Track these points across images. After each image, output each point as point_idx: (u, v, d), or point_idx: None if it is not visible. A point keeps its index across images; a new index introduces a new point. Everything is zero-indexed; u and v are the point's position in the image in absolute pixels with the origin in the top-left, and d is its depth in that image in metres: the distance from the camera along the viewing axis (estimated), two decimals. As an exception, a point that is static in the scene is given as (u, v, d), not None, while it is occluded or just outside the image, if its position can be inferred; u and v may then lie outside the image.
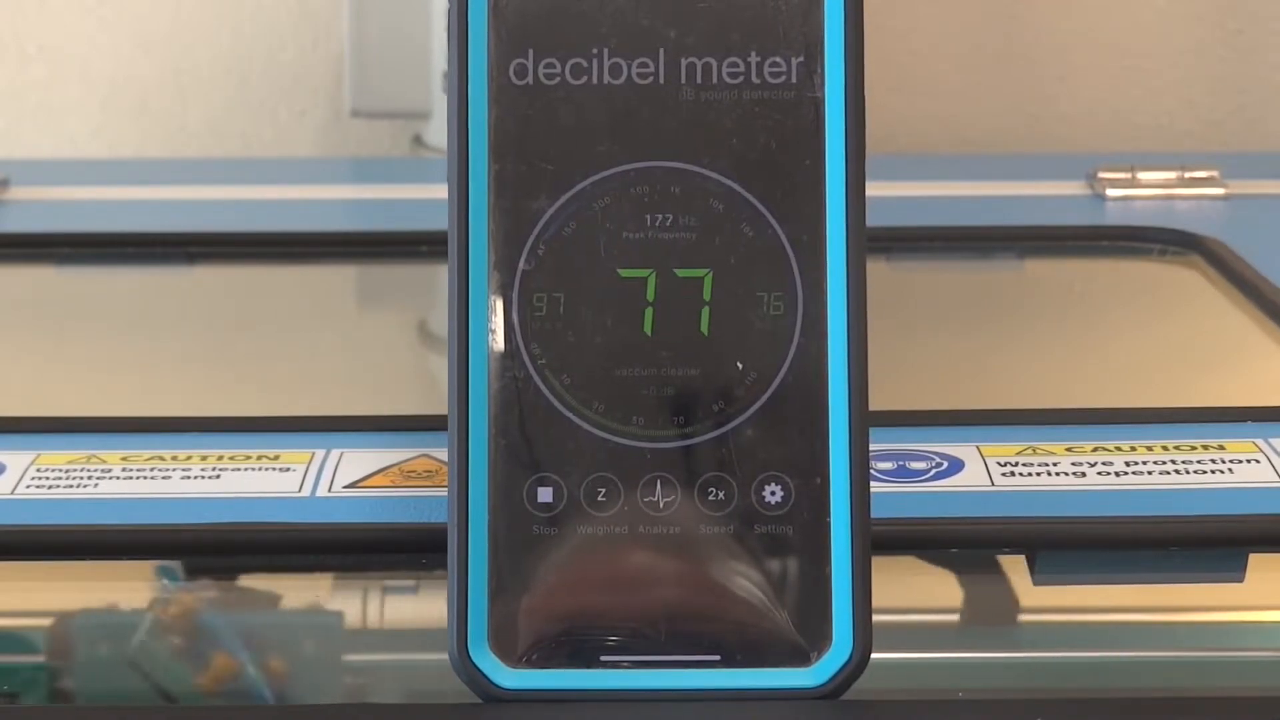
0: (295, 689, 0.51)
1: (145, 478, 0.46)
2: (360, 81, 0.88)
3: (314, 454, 0.47)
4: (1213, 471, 0.46)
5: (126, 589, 0.51)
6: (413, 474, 0.46)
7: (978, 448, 0.47)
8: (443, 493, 0.42)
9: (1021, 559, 0.46)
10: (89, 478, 0.46)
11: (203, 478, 0.46)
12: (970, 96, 0.95)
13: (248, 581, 0.51)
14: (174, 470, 0.46)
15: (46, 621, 0.53)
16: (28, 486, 0.46)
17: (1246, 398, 0.53)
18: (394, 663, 0.55)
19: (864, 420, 0.40)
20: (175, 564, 0.49)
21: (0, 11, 0.95)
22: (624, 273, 0.40)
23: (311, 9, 0.95)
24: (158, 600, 0.50)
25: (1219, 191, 0.75)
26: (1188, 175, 0.76)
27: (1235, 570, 0.45)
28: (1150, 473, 0.46)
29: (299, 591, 0.53)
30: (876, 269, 0.65)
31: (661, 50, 0.40)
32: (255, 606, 0.52)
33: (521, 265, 0.40)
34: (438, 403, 0.42)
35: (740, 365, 0.40)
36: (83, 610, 0.51)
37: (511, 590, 0.39)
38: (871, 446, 0.40)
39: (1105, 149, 0.94)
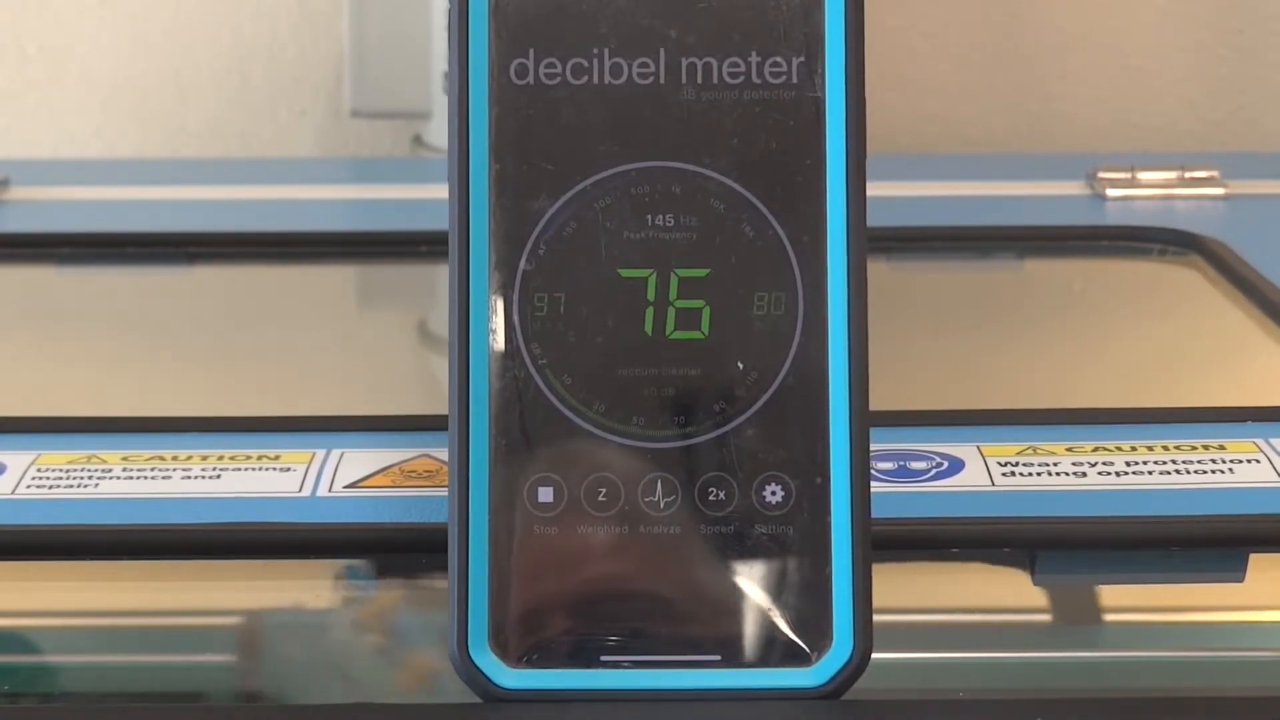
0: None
1: (145, 478, 0.46)
2: (360, 81, 0.88)
3: (314, 454, 0.47)
4: (1213, 471, 0.46)
5: (134, 589, 0.51)
6: (413, 474, 0.46)
7: (978, 448, 0.47)
8: (443, 493, 0.42)
9: (1021, 559, 0.46)
10: (89, 478, 0.46)
11: (203, 478, 0.46)
12: (970, 96, 0.95)
13: (429, 581, 0.51)
14: (174, 470, 0.46)
15: (47, 621, 0.53)
16: (28, 486, 0.46)
17: (1246, 398, 0.53)
18: (393, 663, 0.55)
19: (864, 420, 0.40)
20: (361, 563, 0.49)
21: (0, 11, 0.95)
22: (624, 273, 0.40)
23: (311, 9, 0.95)
24: (351, 599, 0.50)
25: (1219, 191, 0.75)
26: (1188, 175, 0.76)
27: (1235, 570, 0.45)
28: (1150, 473, 0.46)
29: (298, 591, 0.53)
30: (876, 269, 0.65)
31: (662, 50, 0.40)
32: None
33: (522, 265, 0.40)
34: (438, 403, 0.42)
35: (740, 365, 0.40)
36: (273, 609, 0.51)
37: (512, 590, 0.39)
38: (872, 446, 0.40)
39: (1105, 149, 0.94)
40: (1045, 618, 0.52)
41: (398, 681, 0.49)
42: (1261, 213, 0.73)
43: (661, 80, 0.40)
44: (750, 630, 0.39)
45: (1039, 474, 0.46)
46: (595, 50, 0.40)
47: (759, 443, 0.40)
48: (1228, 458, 0.47)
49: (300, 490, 0.45)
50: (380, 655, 0.50)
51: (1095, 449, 0.47)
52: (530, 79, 0.40)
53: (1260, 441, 0.47)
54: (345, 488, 0.45)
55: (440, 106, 0.86)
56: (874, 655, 0.39)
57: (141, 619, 0.52)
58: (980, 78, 0.95)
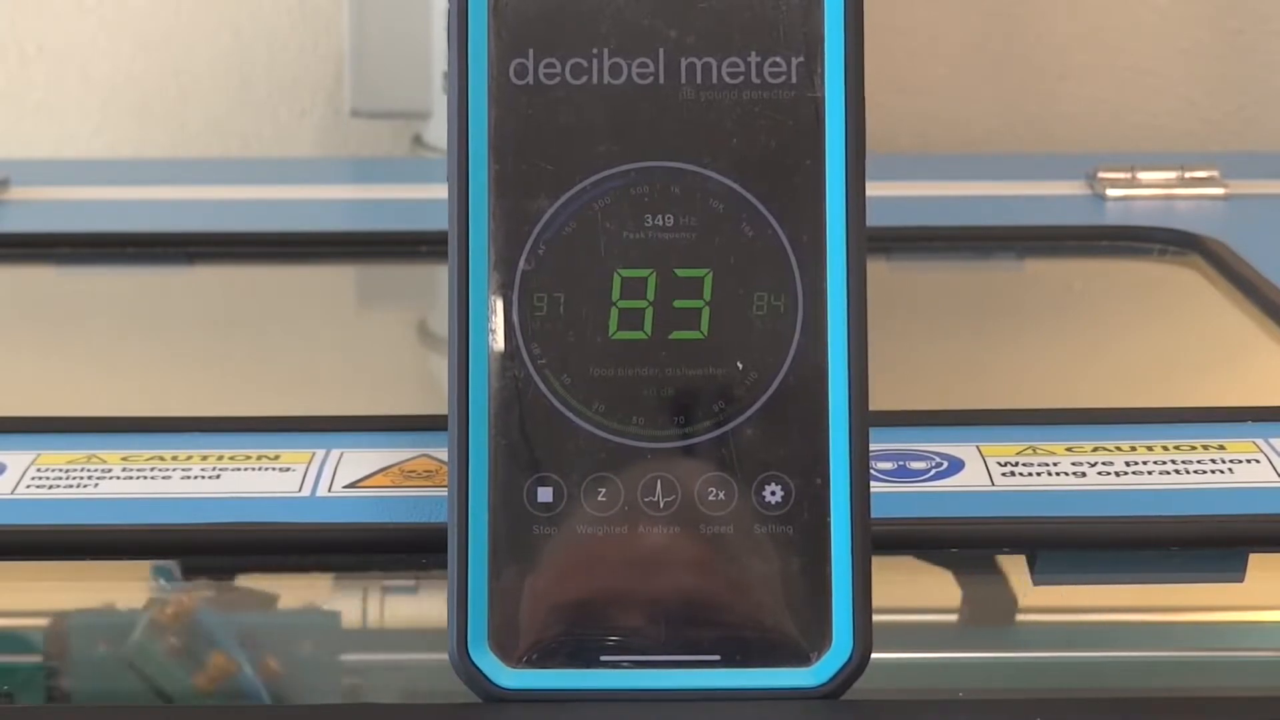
0: (292, 689, 0.51)
1: (145, 478, 0.46)
2: (360, 81, 0.88)
3: (314, 454, 0.47)
4: (1213, 471, 0.46)
5: (124, 589, 0.51)
6: (413, 474, 0.46)
7: (978, 448, 0.47)
8: (443, 493, 0.42)
9: (1021, 559, 0.46)
10: (89, 478, 0.46)
11: (203, 478, 0.46)
12: (970, 96, 0.95)
13: (244, 581, 0.51)
14: (174, 470, 0.46)
15: (46, 621, 0.53)
16: (28, 486, 0.46)
17: (1246, 398, 0.53)
18: (394, 663, 0.55)
19: (864, 420, 0.39)
20: (171, 564, 0.49)
21: (0, 11, 0.95)
22: (624, 273, 0.40)
23: (311, 9, 0.95)
24: (154, 600, 0.50)
25: (1219, 191, 0.75)
26: (1188, 175, 0.76)
27: (1235, 570, 0.45)
28: (1150, 473, 0.46)
29: (298, 591, 0.53)
30: (876, 269, 0.65)
31: (661, 50, 0.40)
32: (252, 607, 0.52)
33: (521, 265, 0.40)
34: (438, 403, 0.42)
35: (740, 365, 0.40)
36: (80, 610, 0.51)
37: (511, 590, 0.39)
38: (872, 446, 0.40)
39: (1105, 149, 0.94)
40: (1045, 618, 0.52)
41: (195, 681, 0.49)
42: (1261, 213, 0.73)
43: (661, 80, 0.40)
44: (750, 630, 0.39)
45: (1039, 474, 0.46)
46: (595, 50, 0.40)
47: (759, 443, 0.40)
48: (1228, 458, 0.47)
49: (300, 490, 0.45)
50: (180, 656, 0.50)
51: (1095, 449, 0.47)
52: (530, 79, 0.40)
53: (1260, 441, 0.47)
54: (345, 488, 0.45)
55: (440, 106, 0.86)
56: (874, 655, 0.39)
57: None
58: (980, 78, 0.95)
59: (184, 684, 0.49)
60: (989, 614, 0.53)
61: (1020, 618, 0.53)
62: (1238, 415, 0.49)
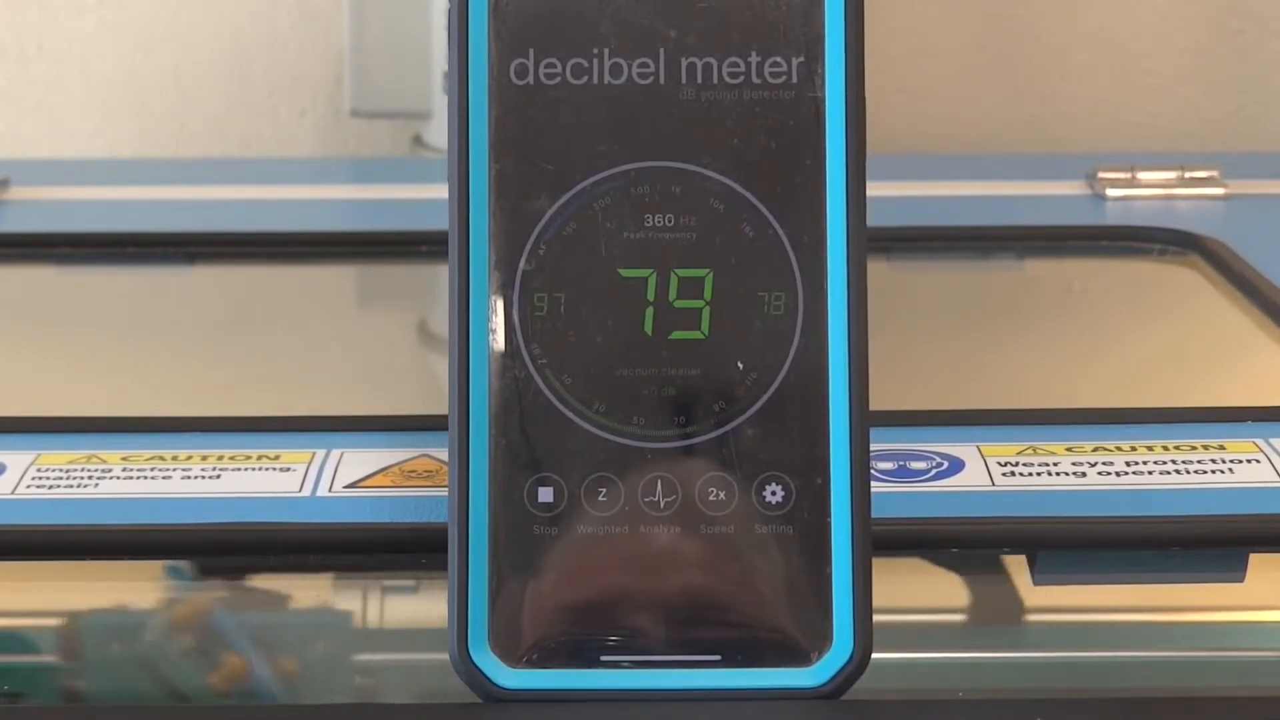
0: (296, 689, 0.51)
1: (145, 478, 0.46)
2: (360, 81, 0.88)
3: (314, 454, 0.47)
4: (1213, 471, 0.46)
5: (135, 589, 0.51)
6: (413, 474, 0.46)
7: (978, 448, 0.47)
8: (443, 493, 0.42)
9: (1022, 559, 0.46)
10: (89, 478, 0.46)
11: (203, 478, 0.46)
12: (970, 96, 0.95)
13: (256, 581, 0.51)
14: (174, 470, 0.46)
15: (47, 621, 0.53)
16: (28, 486, 0.46)
17: (1246, 398, 0.53)
18: (394, 663, 0.55)
19: (864, 420, 0.40)
20: (184, 564, 0.49)
21: (0, 11, 0.95)
22: (624, 272, 0.40)
23: (311, 9, 0.95)
24: (168, 600, 0.50)
25: (1219, 191, 0.75)
26: (1188, 175, 0.76)
27: (1235, 570, 0.45)
28: (1150, 473, 0.46)
29: (300, 591, 0.53)
30: (876, 269, 0.65)
31: (662, 50, 0.40)
32: (264, 606, 0.52)
33: (522, 265, 0.40)
34: (438, 403, 0.42)
35: (741, 365, 0.40)
36: (94, 610, 0.51)
37: (512, 590, 0.39)
38: (872, 446, 0.40)
39: (1105, 149, 0.94)
40: (1045, 618, 0.52)
41: (212, 682, 0.49)
42: (1261, 213, 0.73)
43: (661, 80, 0.40)
44: (750, 630, 0.39)
45: (1039, 474, 0.46)
46: (595, 50, 0.40)
47: (759, 442, 0.40)
48: (1228, 458, 0.47)
49: (300, 490, 0.45)
50: (195, 656, 0.50)
51: (1095, 449, 0.47)
52: (530, 79, 0.40)
53: (1260, 441, 0.47)
54: (345, 488, 0.45)
55: (440, 106, 0.86)
56: (874, 655, 0.39)
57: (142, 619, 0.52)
58: (980, 78, 0.95)
59: (199, 683, 0.49)
60: (989, 614, 0.53)
61: (1020, 618, 0.53)
62: (1238, 415, 0.49)
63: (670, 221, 0.40)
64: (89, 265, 0.71)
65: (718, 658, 0.39)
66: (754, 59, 0.40)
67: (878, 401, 0.40)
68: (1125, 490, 0.45)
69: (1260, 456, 0.47)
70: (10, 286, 0.71)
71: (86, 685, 0.50)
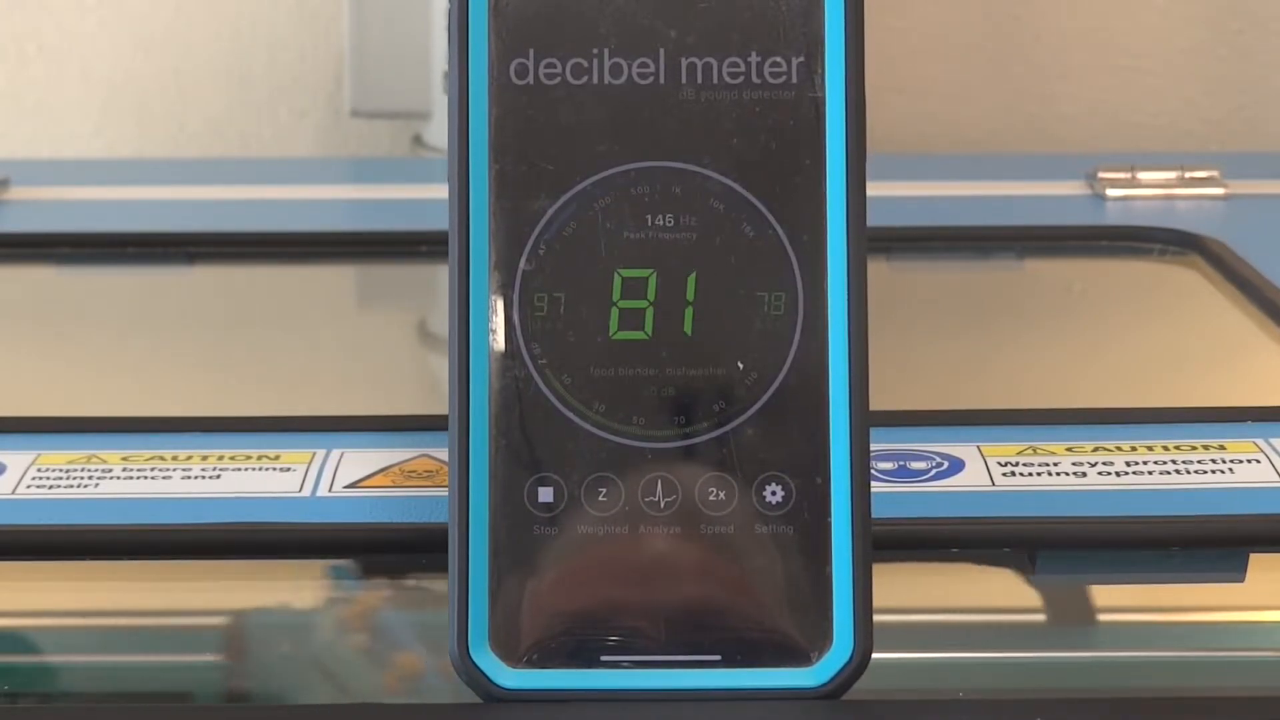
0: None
1: (145, 478, 0.46)
2: (360, 81, 0.88)
3: (314, 454, 0.47)
4: (1213, 471, 0.46)
5: (139, 589, 0.51)
6: (413, 474, 0.46)
7: (978, 448, 0.47)
8: (443, 493, 0.42)
9: (1022, 559, 0.46)
10: (89, 478, 0.46)
11: (203, 478, 0.46)
12: (970, 96, 0.95)
13: (417, 581, 0.51)
14: (174, 470, 0.46)
15: (47, 621, 0.53)
16: (28, 486, 0.46)
17: (1246, 398, 0.53)
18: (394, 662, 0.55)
19: (864, 420, 0.40)
20: (348, 563, 0.49)
21: (0, 11, 0.95)
22: (624, 272, 0.40)
23: (311, 9, 0.95)
24: (336, 600, 0.50)
25: (1219, 191, 0.75)
26: (1188, 175, 0.76)
27: (1235, 570, 0.45)
28: (1150, 473, 0.46)
29: (297, 592, 0.53)
30: (876, 269, 0.65)
31: (662, 50, 0.40)
32: (428, 605, 0.52)
33: (522, 265, 0.40)
34: (438, 403, 0.42)
35: (741, 365, 0.40)
36: (259, 609, 0.51)
37: (512, 590, 0.39)
38: (872, 446, 0.40)
39: (1105, 149, 0.94)
40: (1045, 618, 0.52)
41: (385, 681, 0.49)
42: (1261, 213, 0.73)
43: (661, 80, 0.40)
44: (750, 630, 0.39)
45: (1039, 474, 0.46)
46: (595, 50, 0.40)
47: (759, 443, 0.40)
48: (1228, 458, 0.47)
49: (300, 490, 0.45)
50: (367, 655, 0.50)
51: (1095, 449, 0.47)
52: (530, 79, 0.40)
53: (1260, 441, 0.47)
54: (345, 488, 0.45)
55: (440, 106, 0.86)
56: (874, 655, 0.39)
57: (142, 619, 0.52)
58: (980, 78, 0.95)
59: (373, 683, 0.49)
60: (989, 614, 0.53)
61: (1020, 618, 0.53)
62: (1238, 415, 0.49)
63: (670, 221, 0.40)
64: (89, 265, 0.71)
65: (718, 658, 0.39)
66: (754, 59, 0.40)
67: (878, 401, 0.40)
68: (1125, 490, 0.45)
69: (1260, 456, 0.47)
70: (10, 286, 0.71)
71: (252, 685, 0.50)
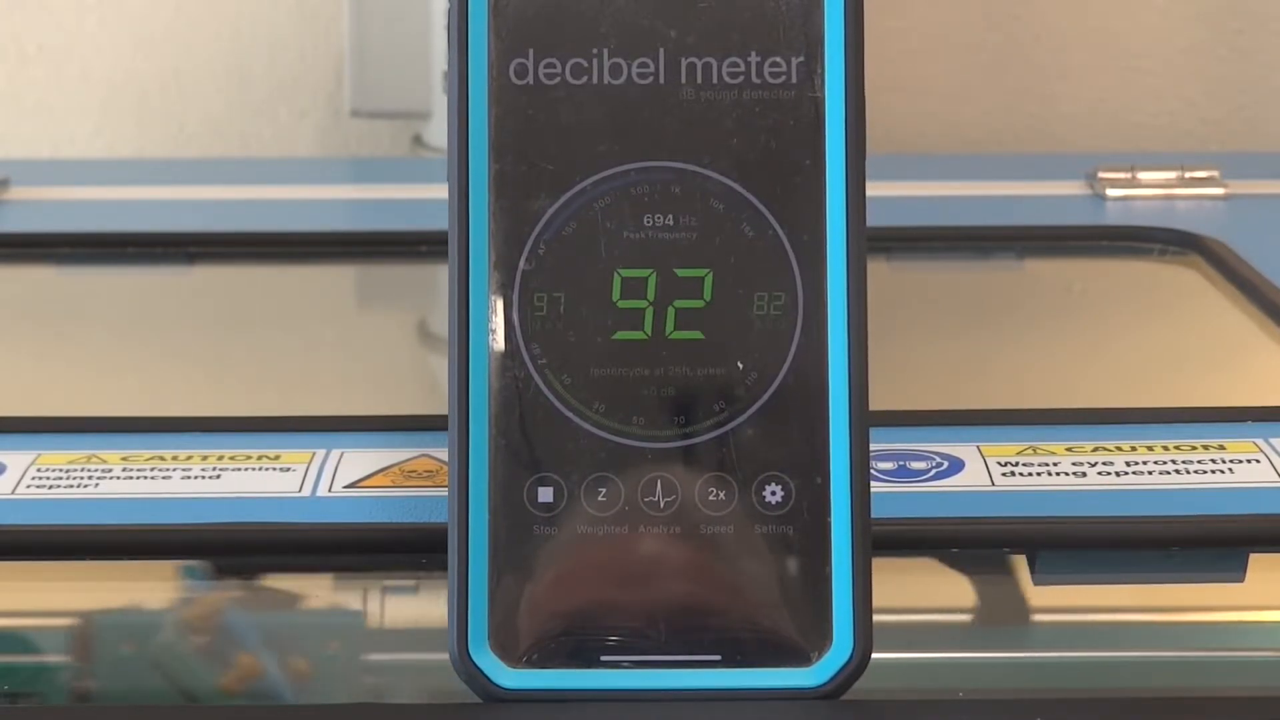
0: (316, 689, 0.51)
1: (145, 478, 0.46)
2: (360, 81, 0.88)
3: (314, 454, 0.47)
4: (1213, 471, 0.46)
5: (141, 589, 0.51)
6: (413, 474, 0.46)
7: (978, 448, 0.47)
8: (443, 493, 0.42)
9: (1022, 559, 0.46)
10: (89, 478, 0.46)
11: (203, 478, 0.46)
12: (970, 96, 0.95)
13: (269, 581, 0.51)
14: (174, 470, 0.46)
15: (47, 621, 0.53)
16: (28, 486, 0.46)
17: (1246, 398, 0.53)
18: (394, 663, 0.55)
19: (864, 420, 0.40)
20: (200, 564, 0.49)
21: (0, 11, 0.95)
22: (624, 272, 0.40)
23: (311, 9, 0.95)
24: (181, 600, 0.50)
25: (1219, 191, 0.75)
26: (1188, 175, 0.76)
27: (1235, 570, 0.45)
28: (1150, 473, 0.46)
29: (296, 591, 0.53)
30: (876, 269, 0.65)
31: (661, 50, 0.40)
32: (276, 606, 0.52)
33: (521, 265, 0.40)
34: (438, 403, 0.42)
35: (740, 365, 0.40)
36: (106, 609, 0.51)
37: (512, 590, 0.39)
38: (872, 446, 0.40)
39: (1105, 149, 0.94)
40: (1045, 618, 0.52)
41: (224, 681, 0.49)
42: (1261, 213, 0.73)
43: (661, 80, 0.40)
44: (750, 630, 0.39)
45: (1039, 474, 0.46)
46: (595, 50, 0.40)
47: (759, 443, 0.40)
48: (1228, 458, 0.47)
49: (300, 490, 0.45)
50: (207, 657, 0.50)
51: (1095, 449, 0.47)
52: (530, 79, 0.40)
53: (1260, 441, 0.47)
54: (345, 488, 0.45)
55: (440, 106, 0.86)
56: (874, 655, 0.39)
57: (142, 619, 0.52)
58: (980, 78, 0.95)
59: (211, 684, 0.49)
60: (989, 614, 0.53)
61: (1020, 618, 0.53)
62: (1238, 415, 0.49)
63: (670, 221, 0.40)
64: (89, 265, 0.71)
65: (718, 658, 0.39)
66: (754, 59, 0.40)
67: (878, 401, 0.40)
68: (1125, 490, 0.45)
69: (1260, 456, 0.47)
70: (10, 286, 0.71)
71: (97, 685, 0.50)
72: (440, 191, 0.42)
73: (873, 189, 0.40)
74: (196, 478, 0.46)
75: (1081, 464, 0.46)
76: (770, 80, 0.40)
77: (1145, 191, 0.75)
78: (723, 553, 0.39)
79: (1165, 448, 0.47)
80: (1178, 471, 0.46)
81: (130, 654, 0.50)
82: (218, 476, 0.46)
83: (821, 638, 0.39)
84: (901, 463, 0.46)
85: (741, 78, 0.40)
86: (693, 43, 0.40)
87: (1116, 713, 0.40)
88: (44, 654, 0.52)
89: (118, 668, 0.50)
